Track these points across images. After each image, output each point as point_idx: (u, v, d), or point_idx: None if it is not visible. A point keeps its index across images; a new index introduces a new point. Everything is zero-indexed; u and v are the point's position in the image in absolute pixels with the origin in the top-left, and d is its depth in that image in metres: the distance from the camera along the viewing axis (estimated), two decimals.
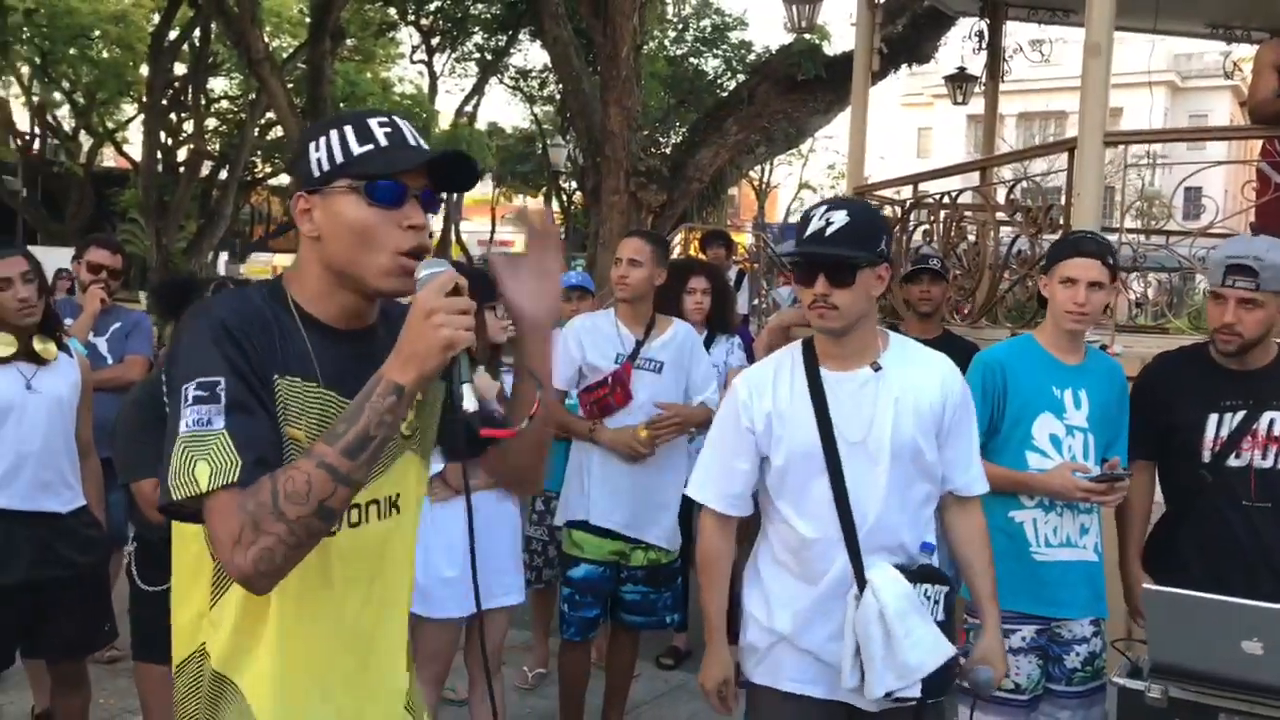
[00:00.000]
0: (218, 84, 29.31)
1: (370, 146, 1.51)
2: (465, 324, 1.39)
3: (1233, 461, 2.86)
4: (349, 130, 1.52)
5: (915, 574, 2.35)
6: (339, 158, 1.51)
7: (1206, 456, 2.88)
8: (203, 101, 26.23)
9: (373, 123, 1.53)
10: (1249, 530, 2.84)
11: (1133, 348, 4.86)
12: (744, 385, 2.51)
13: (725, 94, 18.91)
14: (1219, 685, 2.37)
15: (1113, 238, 5.47)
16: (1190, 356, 3.06)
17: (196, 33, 23.11)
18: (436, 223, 28.32)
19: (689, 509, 4.54)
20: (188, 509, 1.41)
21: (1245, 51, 8.33)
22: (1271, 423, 2.84)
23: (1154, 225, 8.00)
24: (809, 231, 2.37)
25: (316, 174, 1.52)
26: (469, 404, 1.41)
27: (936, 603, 2.36)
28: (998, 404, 2.97)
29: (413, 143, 1.54)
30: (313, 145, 1.53)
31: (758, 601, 2.53)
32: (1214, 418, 2.88)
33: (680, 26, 25.27)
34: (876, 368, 2.42)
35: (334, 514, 1.40)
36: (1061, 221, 5.13)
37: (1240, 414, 2.86)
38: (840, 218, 2.33)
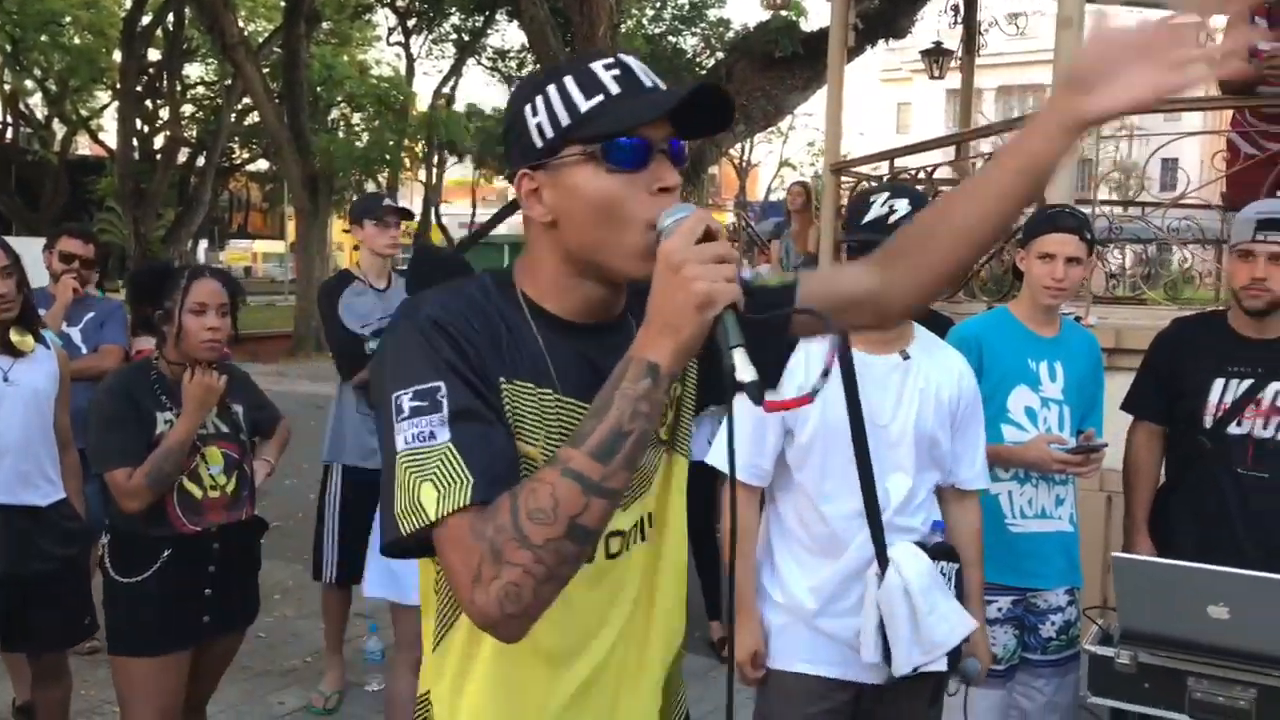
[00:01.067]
0: (193, 69, 29.08)
1: (600, 98, 1.21)
2: (724, 274, 1.11)
3: (1233, 429, 2.87)
4: (570, 82, 1.23)
5: (932, 551, 2.40)
6: (564, 119, 1.22)
7: (1208, 422, 2.90)
8: (178, 87, 26.00)
9: (597, 68, 1.23)
10: (1240, 499, 2.86)
11: (1108, 319, 4.90)
12: None
13: (704, 72, 18.85)
14: (1187, 650, 2.40)
15: (1088, 210, 5.52)
16: (1206, 323, 3.09)
17: (170, 18, 22.90)
18: (417, 205, 27.93)
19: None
20: (414, 541, 1.16)
21: (1219, 22, 8.35)
22: (1277, 393, 2.85)
23: (1130, 197, 8.05)
24: (870, 217, 2.38)
25: (539, 144, 1.23)
26: (744, 372, 1.11)
27: (950, 580, 2.41)
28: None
29: (649, 84, 1.24)
30: (528, 109, 1.24)
31: (771, 578, 2.54)
32: (1219, 383, 2.89)
33: (658, 4, 25.14)
34: (905, 356, 2.46)
35: (590, 533, 1.12)
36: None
37: (1247, 382, 2.87)
38: (904, 206, 2.36)
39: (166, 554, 2.81)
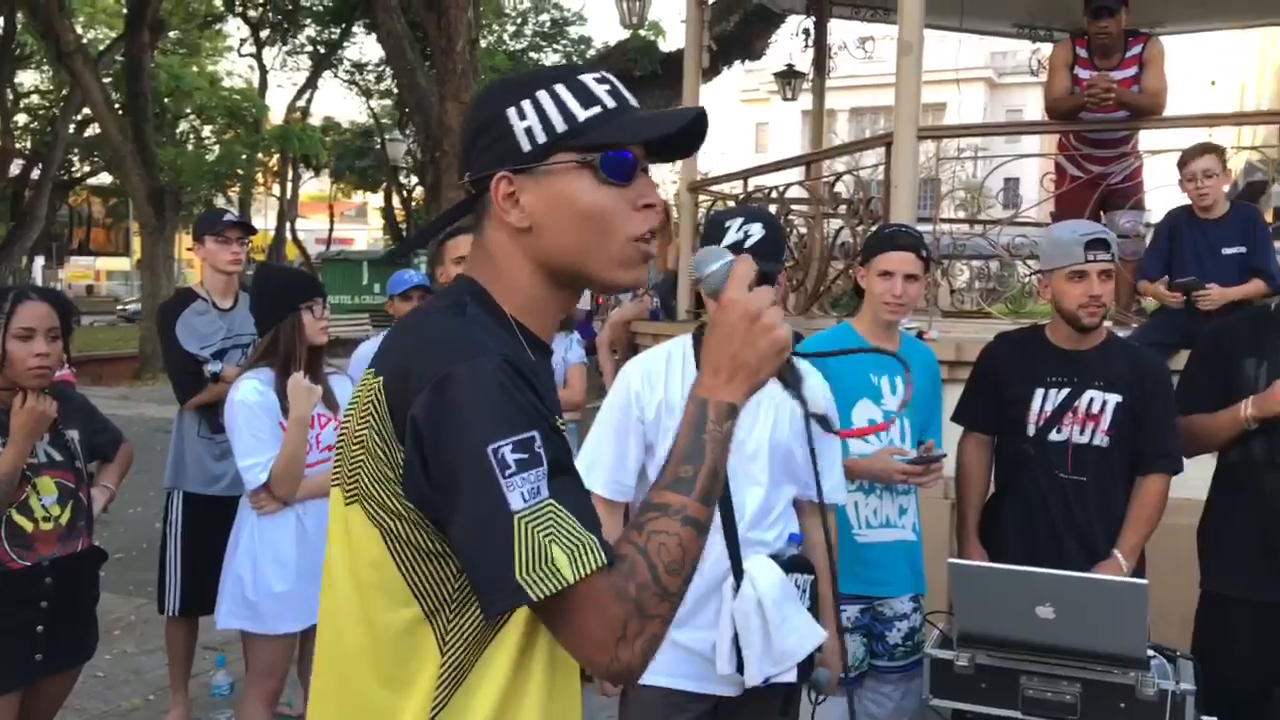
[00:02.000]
0: (27, 77, 27.62)
1: (596, 109, 1.22)
2: (782, 316, 1.21)
3: (1054, 436, 3.02)
4: (564, 90, 1.22)
5: (786, 563, 2.44)
6: (559, 125, 1.21)
7: (1031, 430, 3.04)
8: (9, 96, 24.63)
9: (589, 80, 1.24)
10: (1062, 503, 3.01)
11: (950, 333, 5.11)
12: (636, 375, 2.54)
13: None
14: (1019, 650, 2.53)
15: (930, 227, 5.76)
16: (1026, 336, 3.24)
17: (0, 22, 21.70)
18: (271, 220, 27.16)
19: None
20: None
21: (1046, 50, 8.85)
22: (1091, 401, 3.01)
23: (975, 215, 8.41)
24: (726, 243, 2.40)
25: (527, 148, 1.22)
26: (816, 406, 1.25)
27: (804, 591, 2.45)
28: None
29: (633, 102, 1.27)
30: (513, 112, 1.22)
31: None
32: (1040, 393, 3.04)
33: (519, 21, 25.15)
34: None
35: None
36: (881, 213, 5.35)
37: (1065, 390, 3.02)
38: (758, 230, 2.40)
39: None
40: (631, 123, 1.23)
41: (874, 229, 3.47)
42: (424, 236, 1.55)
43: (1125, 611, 2.40)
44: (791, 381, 1.25)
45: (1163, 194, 5.27)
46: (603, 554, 1.10)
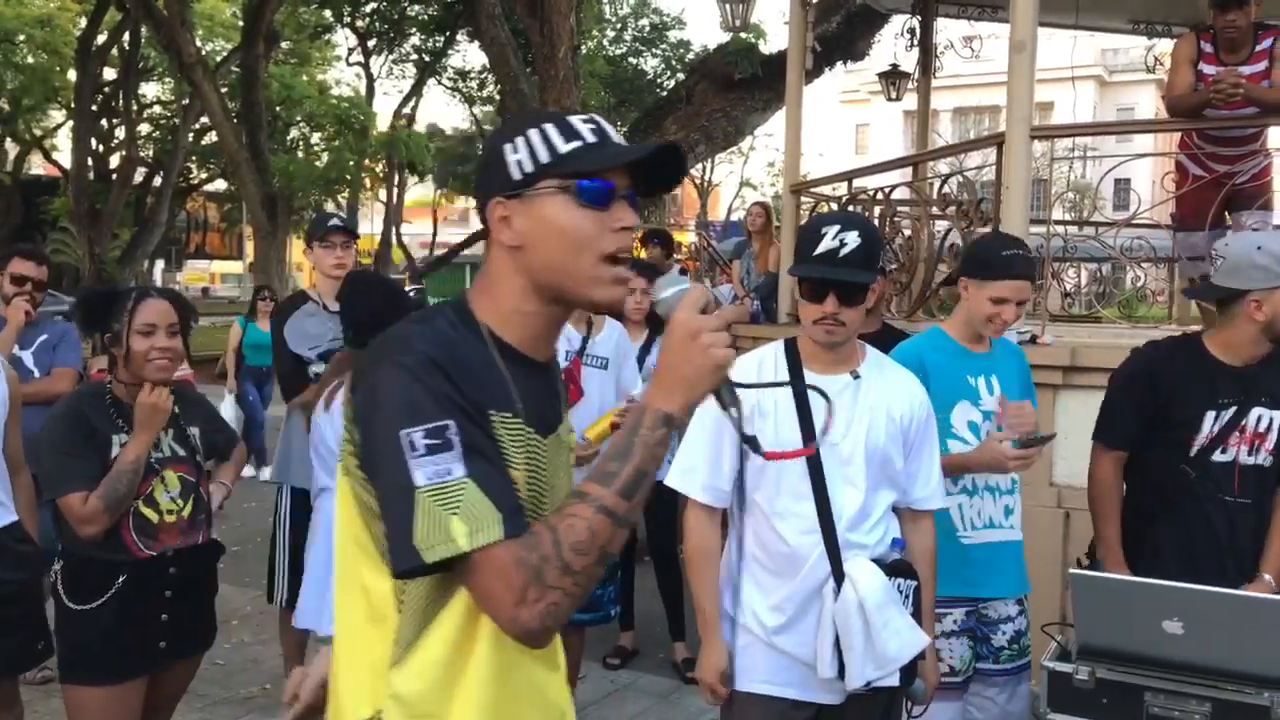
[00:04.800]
0: (150, 89, 28.84)
1: (578, 143, 1.40)
2: (729, 341, 1.33)
3: (1218, 457, 2.87)
4: (551, 128, 1.41)
5: (889, 568, 2.41)
6: (544, 157, 1.39)
7: (1193, 451, 2.89)
8: (134, 107, 25.73)
9: (576, 120, 1.42)
10: (1228, 525, 2.86)
11: (1063, 337, 4.96)
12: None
13: (664, 93, 18.98)
14: (1143, 665, 2.43)
15: (1042, 229, 5.60)
16: (1186, 350, 3.01)
17: (126, 37, 22.69)
18: (378, 225, 27.65)
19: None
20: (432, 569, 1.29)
21: (1167, 46, 8.54)
22: (1259, 419, 2.86)
23: (1084, 217, 8.16)
24: (821, 250, 2.38)
25: (517, 176, 1.40)
26: (749, 427, 1.40)
27: (907, 597, 2.42)
28: None
29: (616, 139, 1.44)
30: (509, 147, 1.42)
31: (733, 599, 2.54)
32: (1211, 414, 2.88)
33: (619, 26, 25.29)
34: (856, 375, 2.49)
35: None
36: (992, 215, 5.22)
37: (1232, 409, 2.86)
38: (854, 239, 2.37)
39: (121, 580, 2.76)
40: (609, 154, 1.40)
41: (983, 241, 3.33)
42: (449, 257, 1.73)
43: (1264, 629, 2.29)
44: (728, 401, 1.37)
45: None
46: (503, 529, 1.26)
